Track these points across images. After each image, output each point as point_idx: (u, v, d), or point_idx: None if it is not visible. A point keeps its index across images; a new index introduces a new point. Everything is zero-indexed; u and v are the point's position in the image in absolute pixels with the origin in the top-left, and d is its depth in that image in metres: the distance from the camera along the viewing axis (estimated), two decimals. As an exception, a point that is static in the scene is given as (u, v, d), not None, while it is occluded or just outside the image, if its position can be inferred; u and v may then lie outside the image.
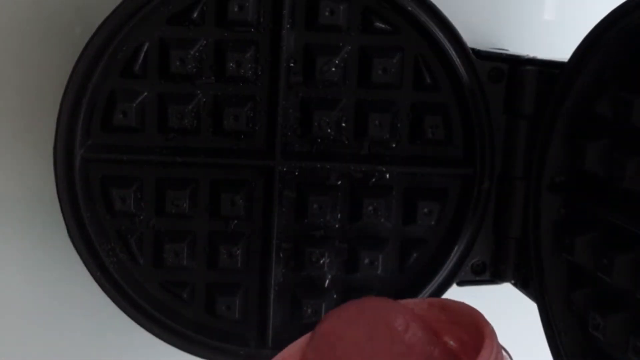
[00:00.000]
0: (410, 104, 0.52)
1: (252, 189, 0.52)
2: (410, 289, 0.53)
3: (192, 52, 0.49)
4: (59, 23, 0.53)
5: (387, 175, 0.53)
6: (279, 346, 0.45)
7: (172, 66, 0.49)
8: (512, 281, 0.54)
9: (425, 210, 0.53)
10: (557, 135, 0.49)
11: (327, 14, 0.50)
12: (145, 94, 0.50)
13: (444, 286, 0.54)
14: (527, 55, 0.53)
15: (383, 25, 0.51)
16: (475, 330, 0.41)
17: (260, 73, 0.51)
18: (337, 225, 0.53)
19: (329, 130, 0.52)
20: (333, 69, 0.51)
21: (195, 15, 0.49)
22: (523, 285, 0.53)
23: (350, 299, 0.45)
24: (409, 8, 0.50)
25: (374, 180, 0.53)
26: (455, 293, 0.54)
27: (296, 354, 0.43)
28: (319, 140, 0.52)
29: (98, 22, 0.47)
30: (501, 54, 0.53)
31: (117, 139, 0.50)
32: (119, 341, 0.58)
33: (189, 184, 0.51)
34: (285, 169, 0.52)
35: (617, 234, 0.45)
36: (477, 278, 0.54)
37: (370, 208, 0.53)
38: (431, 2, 0.50)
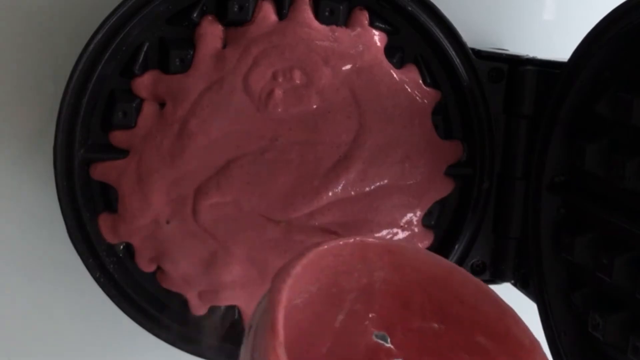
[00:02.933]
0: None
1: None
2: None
3: (191, 52, 0.49)
4: (58, 23, 0.53)
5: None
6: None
7: (172, 66, 0.49)
8: (512, 281, 0.54)
9: (426, 210, 0.53)
10: (557, 135, 0.49)
11: (327, 14, 0.50)
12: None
13: (444, 286, 0.54)
14: (527, 55, 0.53)
15: (383, 25, 0.51)
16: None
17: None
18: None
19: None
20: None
21: (195, 15, 0.49)
22: (523, 285, 0.53)
23: None
24: (409, 8, 0.50)
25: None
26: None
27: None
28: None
29: (98, 21, 0.47)
30: (501, 54, 0.53)
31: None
32: (119, 341, 0.58)
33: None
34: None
35: (617, 234, 0.45)
36: (477, 278, 0.54)
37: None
38: (431, 2, 0.50)
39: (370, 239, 0.44)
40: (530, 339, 0.41)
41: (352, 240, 0.42)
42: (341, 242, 0.42)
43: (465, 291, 0.43)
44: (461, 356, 0.42)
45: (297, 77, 0.49)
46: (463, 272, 0.44)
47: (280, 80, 0.49)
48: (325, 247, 0.41)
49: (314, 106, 0.50)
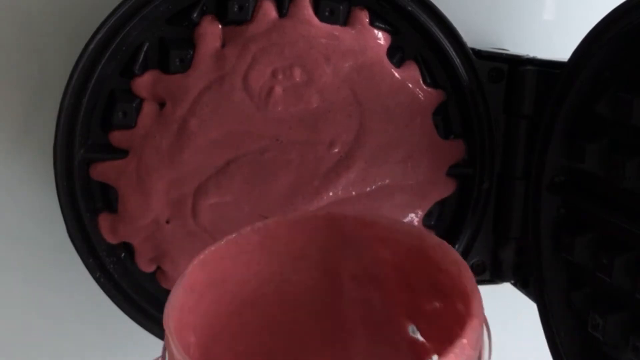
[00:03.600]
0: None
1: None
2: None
3: (191, 52, 0.49)
4: (58, 23, 0.53)
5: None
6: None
7: (172, 66, 0.49)
8: (512, 281, 0.54)
9: (427, 210, 0.53)
10: (557, 135, 0.49)
11: (327, 13, 0.49)
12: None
13: (444, 286, 0.54)
14: (527, 55, 0.53)
15: (383, 25, 0.51)
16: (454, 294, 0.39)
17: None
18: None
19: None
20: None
21: (195, 15, 0.49)
22: (523, 285, 0.53)
23: None
24: (409, 8, 0.50)
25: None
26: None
27: None
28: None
29: (98, 21, 0.47)
30: (501, 54, 0.53)
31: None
32: (119, 341, 0.58)
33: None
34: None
35: (617, 234, 0.45)
36: (477, 278, 0.54)
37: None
38: (431, 2, 0.50)
39: (338, 211, 0.42)
40: (472, 287, 0.39)
41: (319, 213, 0.42)
42: (304, 216, 0.41)
43: (438, 256, 0.41)
44: (457, 332, 0.41)
45: (297, 75, 0.49)
46: (430, 235, 0.42)
47: (280, 77, 0.49)
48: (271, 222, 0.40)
49: (315, 105, 0.50)
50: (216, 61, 0.49)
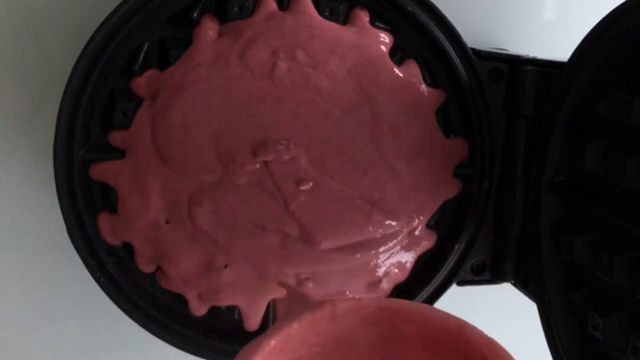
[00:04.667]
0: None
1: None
2: (410, 289, 0.53)
3: (192, 52, 0.49)
4: (59, 23, 0.53)
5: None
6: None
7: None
8: (512, 281, 0.54)
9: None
10: (557, 135, 0.49)
11: (327, 13, 0.49)
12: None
13: (444, 286, 0.54)
14: (527, 55, 0.53)
15: (383, 25, 0.51)
16: None
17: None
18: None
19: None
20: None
21: (195, 15, 0.49)
22: (523, 285, 0.53)
23: None
24: (409, 8, 0.50)
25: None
26: (455, 293, 0.54)
27: None
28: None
29: (98, 21, 0.47)
30: (501, 54, 0.53)
31: (117, 139, 0.50)
32: (119, 341, 0.58)
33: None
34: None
35: (617, 234, 0.45)
36: (477, 278, 0.54)
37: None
38: (431, 2, 0.50)
39: (389, 303, 0.41)
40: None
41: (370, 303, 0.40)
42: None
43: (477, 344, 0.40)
44: None
45: (300, 56, 0.49)
46: (472, 328, 0.41)
47: (282, 56, 0.48)
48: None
49: (326, 90, 0.49)
50: (212, 51, 0.48)
